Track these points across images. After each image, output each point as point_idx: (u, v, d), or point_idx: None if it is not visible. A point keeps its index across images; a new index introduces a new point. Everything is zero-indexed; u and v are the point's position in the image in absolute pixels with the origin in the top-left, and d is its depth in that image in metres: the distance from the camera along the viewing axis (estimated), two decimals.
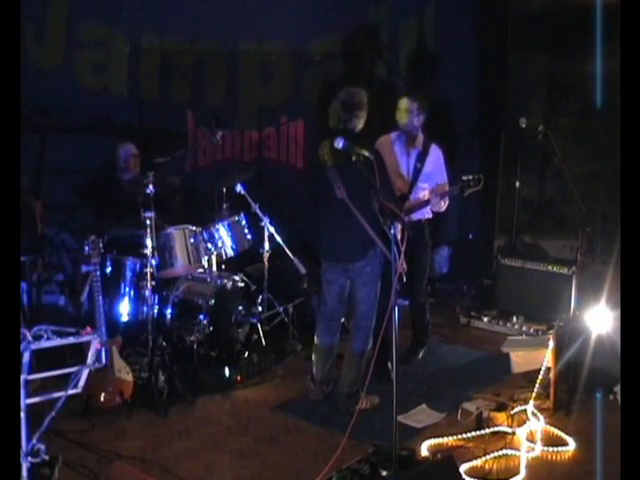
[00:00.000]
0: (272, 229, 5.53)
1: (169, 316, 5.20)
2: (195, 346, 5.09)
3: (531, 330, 6.04)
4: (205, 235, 5.31)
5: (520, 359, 5.17)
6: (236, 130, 6.76)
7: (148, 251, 4.77)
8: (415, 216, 5.15)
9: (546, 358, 4.60)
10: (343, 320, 4.93)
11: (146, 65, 6.42)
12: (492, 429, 4.25)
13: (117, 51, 6.26)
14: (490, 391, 4.81)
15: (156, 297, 4.90)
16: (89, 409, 4.36)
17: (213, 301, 5.17)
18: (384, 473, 3.57)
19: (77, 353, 3.91)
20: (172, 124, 6.52)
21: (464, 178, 5.10)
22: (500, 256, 6.59)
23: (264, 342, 5.48)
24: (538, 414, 4.37)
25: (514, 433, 4.19)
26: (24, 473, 3.07)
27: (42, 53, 5.98)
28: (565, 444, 4.13)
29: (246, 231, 5.61)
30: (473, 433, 4.19)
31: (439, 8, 7.25)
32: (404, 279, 4.16)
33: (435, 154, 5.20)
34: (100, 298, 4.38)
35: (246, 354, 5.29)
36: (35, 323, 3.20)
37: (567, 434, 4.21)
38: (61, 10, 6.01)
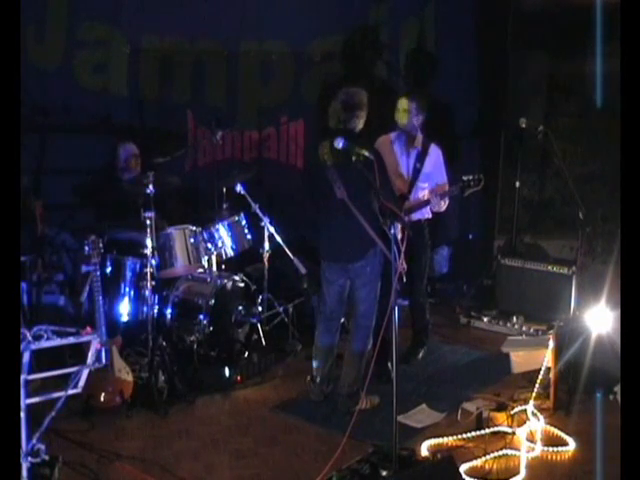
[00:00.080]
0: (272, 229, 5.53)
1: (169, 316, 5.20)
2: (195, 346, 5.09)
3: (531, 330, 6.04)
4: (205, 235, 5.31)
5: (520, 359, 5.17)
6: (236, 130, 6.77)
7: (148, 251, 4.77)
8: (415, 216, 5.15)
9: (546, 358, 4.60)
10: (343, 320, 4.93)
11: (146, 65, 6.41)
12: (492, 429, 4.25)
13: (117, 51, 6.26)
14: (490, 391, 4.81)
15: (156, 297, 4.90)
16: (89, 409, 4.36)
17: (213, 301, 5.17)
18: (384, 473, 3.56)
19: (77, 353, 3.92)
20: (172, 124, 6.52)
21: (464, 178, 5.10)
22: (500, 256, 6.59)
23: (264, 342, 5.48)
24: (538, 414, 4.37)
25: (514, 433, 4.19)
26: (24, 473, 3.07)
27: (42, 53, 5.97)
28: (565, 444, 4.13)
29: (246, 231, 5.61)
30: (473, 433, 4.19)
31: (439, 8, 7.26)
32: (404, 279, 4.17)
33: (434, 154, 5.20)
34: (100, 298, 4.38)
35: (246, 354, 5.29)
36: (35, 323, 3.20)
37: (567, 434, 4.21)
38: (61, 10, 6.00)
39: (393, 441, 3.55)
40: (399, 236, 4.27)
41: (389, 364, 4.66)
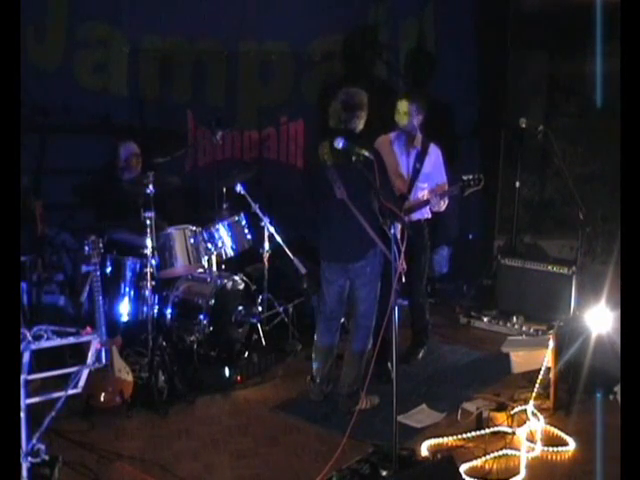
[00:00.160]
0: (272, 229, 5.53)
1: (169, 316, 5.21)
2: (195, 346, 5.09)
3: (531, 330, 6.03)
4: (205, 235, 5.32)
5: (520, 359, 5.17)
6: (236, 130, 6.76)
7: (148, 251, 4.78)
8: (415, 216, 5.14)
9: (546, 358, 4.59)
10: (343, 320, 4.93)
11: (146, 65, 6.41)
12: (492, 429, 4.25)
13: (117, 51, 6.25)
14: (490, 391, 4.81)
15: (156, 297, 4.91)
16: (89, 409, 4.36)
17: (213, 301, 5.17)
18: (384, 473, 3.57)
19: (77, 353, 3.92)
20: (172, 124, 6.52)
21: (464, 178, 5.10)
22: (500, 256, 6.58)
23: (264, 342, 5.48)
24: (538, 414, 4.37)
25: (514, 433, 4.19)
26: (24, 473, 3.07)
27: (42, 53, 5.97)
28: (565, 444, 4.13)
29: (246, 231, 5.61)
30: (473, 433, 4.20)
31: (438, 8, 7.25)
32: (404, 279, 4.16)
33: (434, 154, 5.21)
34: (100, 298, 4.38)
35: (246, 354, 5.29)
36: (35, 323, 3.20)
37: (567, 434, 4.21)
38: (61, 10, 6.00)
39: (393, 441, 3.55)
40: (399, 236, 4.27)
41: (389, 364, 4.66)
